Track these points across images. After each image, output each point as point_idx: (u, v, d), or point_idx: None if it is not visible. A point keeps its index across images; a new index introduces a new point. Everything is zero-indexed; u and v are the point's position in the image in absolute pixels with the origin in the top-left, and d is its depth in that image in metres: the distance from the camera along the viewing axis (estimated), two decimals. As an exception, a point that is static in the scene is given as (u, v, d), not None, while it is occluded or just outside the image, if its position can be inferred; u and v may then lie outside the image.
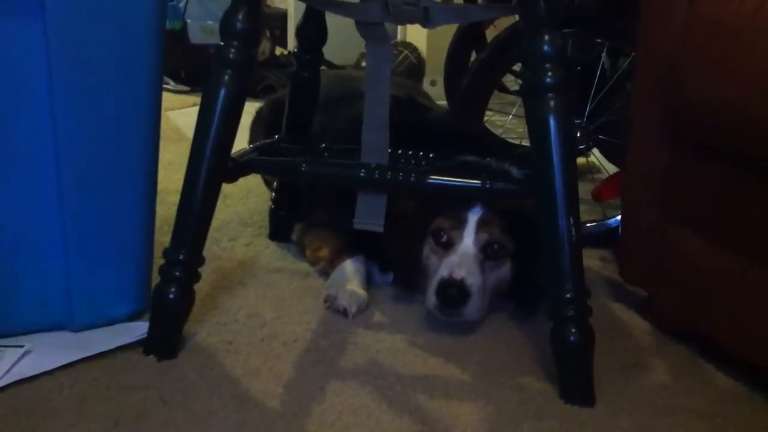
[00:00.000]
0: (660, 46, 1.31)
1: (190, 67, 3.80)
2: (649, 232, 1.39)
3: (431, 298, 1.34)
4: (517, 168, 1.44)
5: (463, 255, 1.36)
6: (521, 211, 1.36)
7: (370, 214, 1.38)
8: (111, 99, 1.19)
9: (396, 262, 1.49)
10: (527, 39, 1.12)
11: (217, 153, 1.19)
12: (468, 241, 1.37)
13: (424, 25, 1.20)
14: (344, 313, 1.38)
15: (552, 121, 1.11)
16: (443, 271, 1.34)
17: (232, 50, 1.16)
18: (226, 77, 1.17)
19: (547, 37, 1.11)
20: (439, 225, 1.41)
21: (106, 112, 1.19)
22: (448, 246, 1.39)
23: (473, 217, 1.38)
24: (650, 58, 1.36)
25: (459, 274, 1.32)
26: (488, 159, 1.48)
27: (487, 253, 1.38)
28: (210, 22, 3.76)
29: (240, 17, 1.16)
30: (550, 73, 1.11)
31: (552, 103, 1.11)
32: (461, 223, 1.38)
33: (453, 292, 1.31)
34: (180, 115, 3.18)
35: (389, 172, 1.28)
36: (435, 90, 3.66)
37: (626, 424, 1.09)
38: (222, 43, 1.17)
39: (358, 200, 1.38)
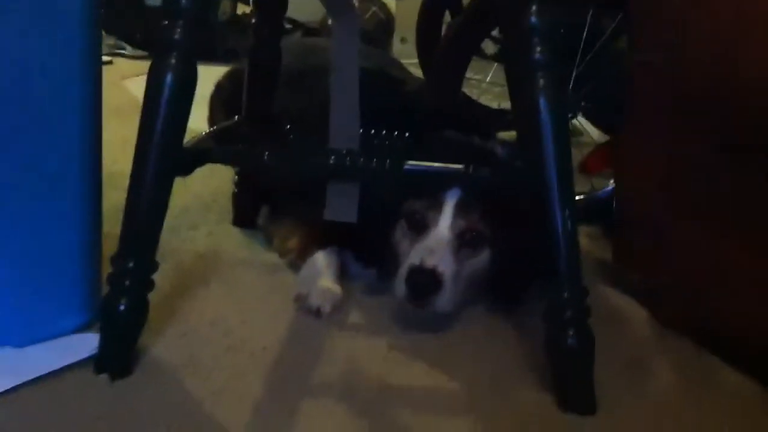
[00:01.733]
0: (708, 34, 1.18)
1: (146, 29, 3.60)
2: (648, 221, 1.28)
3: (400, 287, 1.22)
4: (503, 146, 1.32)
5: (436, 241, 1.24)
6: (503, 193, 1.24)
7: (342, 205, 1.24)
8: (39, 81, 1.05)
9: (368, 247, 1.37)
10: (511, 9, 0.99)
11: (166, 147, 1.05)
12: (443, 225, 1.26)
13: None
14: (317, 312, 1.26)
15: (543, 104, 0.99)
16: (414, 258, 1.22)
17: (178, 30, 1.01)
18: (172, 61, 1.02)
19: (534, 8, 0.98)
20: (412, 207, 1.29)
21: (31, 98, 1.05)
22: (422, 230, 1.27)
23: (451, 200, 1.27)
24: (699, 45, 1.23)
25: (431, 261, 1.20)
26: (471, 136, 1.35)
27: (463, 239, 1.26)
28: (165, -18, 3.56)
29: (185, -8, 1.01)
30: (538, 48, 0.98)
31: (542, 82, 0.99)
32: (437, 206, 1.27)
33: (423, 281, 1.19)
34: (138, 83, 2.98)
35: (361, 159, 1.15)
36: (406, 48, 3.52)
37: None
38: (165, 23, 1.02)
39: (329, 190, 1.24)
